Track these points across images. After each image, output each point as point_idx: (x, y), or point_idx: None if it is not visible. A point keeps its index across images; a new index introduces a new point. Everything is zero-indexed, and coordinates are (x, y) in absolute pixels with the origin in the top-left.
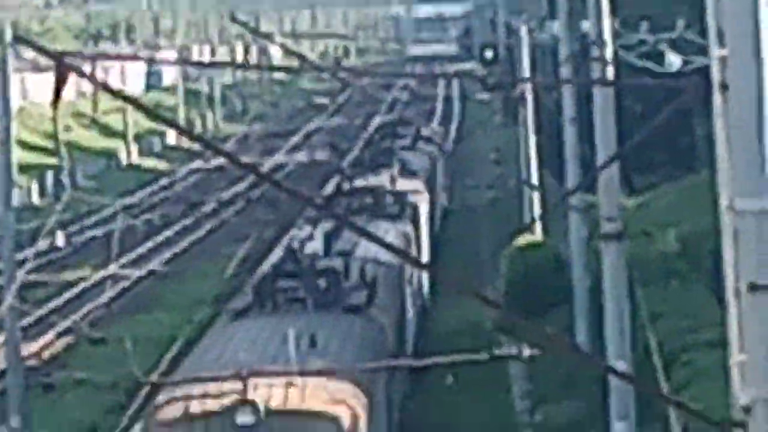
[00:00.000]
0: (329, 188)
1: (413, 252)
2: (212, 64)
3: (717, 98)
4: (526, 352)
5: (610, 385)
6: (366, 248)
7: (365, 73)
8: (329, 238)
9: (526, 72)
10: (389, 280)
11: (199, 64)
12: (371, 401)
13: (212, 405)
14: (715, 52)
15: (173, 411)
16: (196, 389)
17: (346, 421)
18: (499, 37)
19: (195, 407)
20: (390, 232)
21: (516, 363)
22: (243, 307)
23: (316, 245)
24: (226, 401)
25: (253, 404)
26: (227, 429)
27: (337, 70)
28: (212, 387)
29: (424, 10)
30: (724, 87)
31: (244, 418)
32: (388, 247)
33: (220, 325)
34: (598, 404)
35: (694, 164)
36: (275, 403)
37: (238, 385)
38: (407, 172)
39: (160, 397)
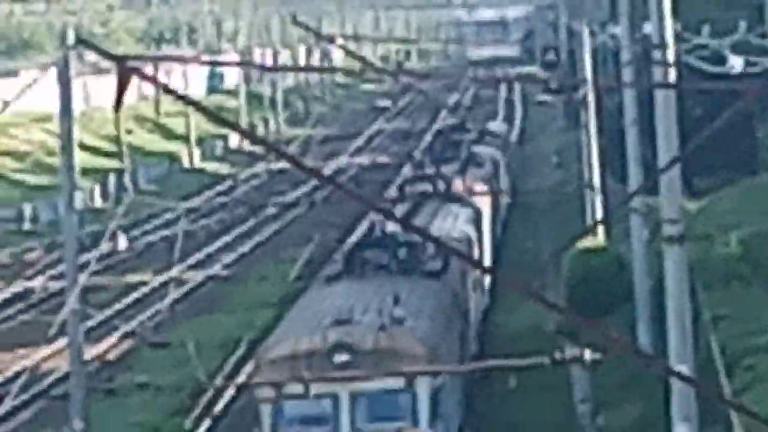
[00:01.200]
0: (396, 184)
1: (476, 248)
2: (274, 67)
3: None
4: (588, 355)
5: (672, 389)
6: (439, 226)
7: (427, 76)
8: (407, 216)
9: (588, 75)
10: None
11: (262, 67)
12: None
13: (314, 345)
14: None
15: (280, 350)
16: (303, 332)
17: (424, 362)
18: (560, 40)
19: (299, 347)
20: (460, 215)
21: (578, 366)
22: (335, 273)
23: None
24: (326, 344)
25: (348, 346)
26: (326, 366)
27: (399, 73)
28: (315, 332)
29: (486, 14)
30: None
31: (340, 357)
32: (450, 249)
33: (315, 288)
34: (660, 407)
35: (755, 167)
36: (366, 345)
37: (336, 330)
38: (475, 164)
39: (270, 340)
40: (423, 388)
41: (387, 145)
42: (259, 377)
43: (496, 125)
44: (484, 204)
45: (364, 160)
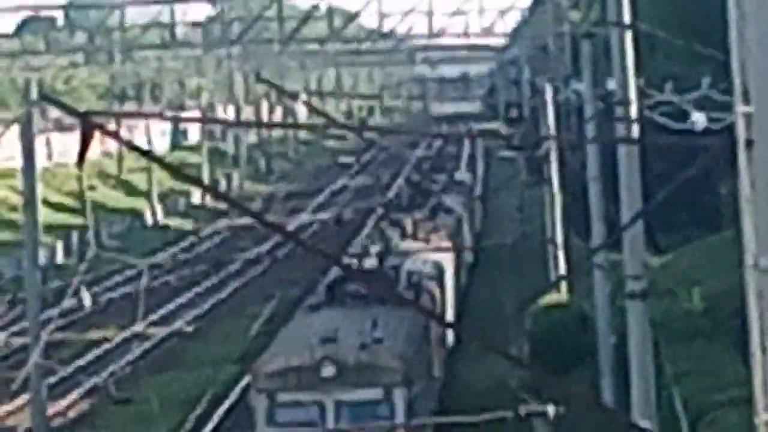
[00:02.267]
0: (357, 243)
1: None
2: (237, 123)
3: (741, 155)
4: (552, 410)
5: None
6: (411, 264)
7: (390, 131)
8: (381, 256)
9: (551, 130)
10: (430, 285)
11: (224, 123)
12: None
13: (303, 361)
14: (740, 108)
15: (274, 365)
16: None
17: (400, 376)
18: (523, 95)
19: (291, 362)
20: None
21: (541, 421)
22: (317, 303)
23: (371, 261)
24: (314, 359)
25: (335, 361)
26: (315, 380)
27: (362, 129)
28: (304, 350)
29: (449, 70)
30: (749, 143)
31: (326, 372)
32: (417, 308)
33: (300, 315)
34: None
35: (718, 223)
36: (351, 361)
37: (323, 347)
38: (443, 210)
39: (264, 357)
40: (399, 398)
41: (350, 201)
42: (254, 387)
43: (461, 175)
44: (447, 260)
45: (326, 215)
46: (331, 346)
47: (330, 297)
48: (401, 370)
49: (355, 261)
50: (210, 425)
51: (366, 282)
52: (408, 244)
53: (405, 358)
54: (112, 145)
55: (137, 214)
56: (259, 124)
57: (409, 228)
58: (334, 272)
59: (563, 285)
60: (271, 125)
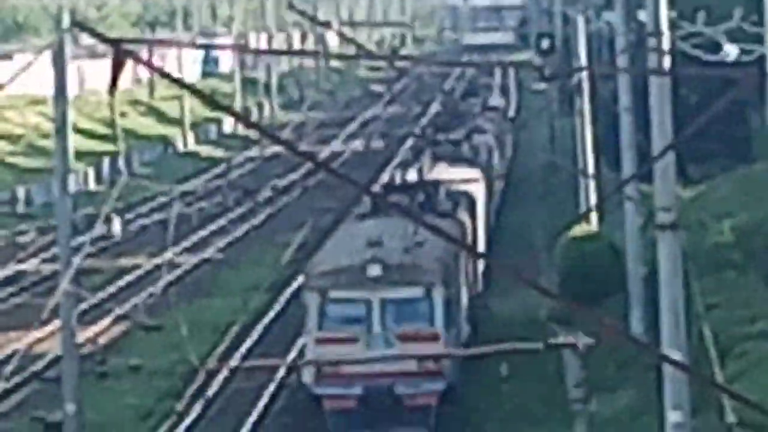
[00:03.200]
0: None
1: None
2: (269, 51)
3: None
4: (581, 341)
5: (664, 375)
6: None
7: (422, 61)
8: (420, 171)
9: (583, 62)
10: (467, 197)
11: (256, 51)
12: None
13: (352, 261)
14: None
15: (325, 265)
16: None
17: (439, 276)
18: (555, 26)
19: (339, 263)
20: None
21: (570, 352)
22: (364, 212)
23: (413, 175)
24: (362, 260)
25: (380, 261)
26: (362, 279)
27: (394, 58)
28: (353, 252)
29: (481, 0)
30: None
31: (372, 271)
32: (447, 237)
33: (348, 223)
34: (653, 394)
35: (749, 155)
36: (393, 261)
37: (370, 250)
38: (479, 131)
39: (316, 258)
40: (438, 297)
41: (382, 130)
42: (307, 286)
43: (496, 100)
44: (479, 190)
45: (358, 145)
46: (377, 248)
47: (375, 207)
48: (440, 271)
49: (398, 172)
50: (239, 354)
51: (408, 193)
52: (440, 171)
53: (443, 261)
54: (144, 72)
55: (168, 142)
56: (290, 52)
57: (444, 151)
58: (380, 183)
59: (593, 216)
60: (302, 53)
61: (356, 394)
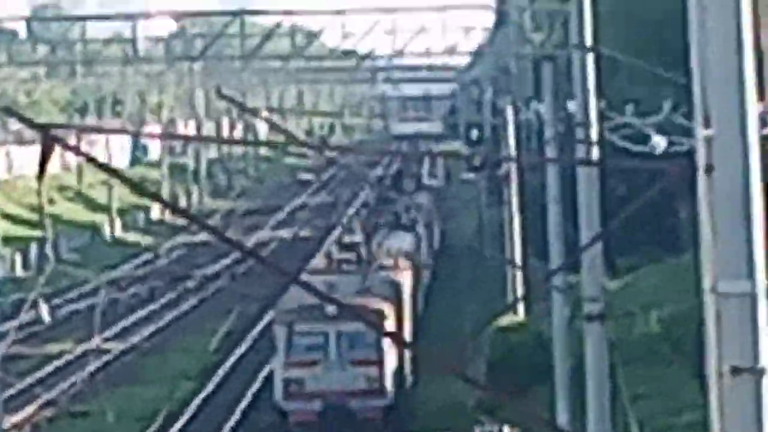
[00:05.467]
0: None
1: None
2: (197, 138)
3: (702, 179)
4: (508, 431)
5: None
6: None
7: (350, 150)
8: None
9: (512, 152)
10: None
11: (184, 138)
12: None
13: (312, 301)
14: (701, 133)
15: (290, 304)
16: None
17: (391, 315)
18: (484, 116)
19: (303, 302)
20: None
21: None
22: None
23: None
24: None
25: (336, 302)
26: (321, 315)
27: (323, 147)
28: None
29: (411, 89)
30: (709, 168)
31: (330, 310)
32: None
33: (306, 274)
34: None
35: (676, 246)
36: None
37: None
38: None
39: (284, 298)
40: (388, 324)
41: (310, 219)
42: (277, 321)
43: (428, 180)
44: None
45: (286, 233)
46: (333, 291)
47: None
48: (389, 304)
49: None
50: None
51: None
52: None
53: (389, 301)
54: (72, 158)
55: (96, 228)
56: (218, 140)
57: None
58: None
59: (521, 307)
60: (231, 142)
61: (316, 410)
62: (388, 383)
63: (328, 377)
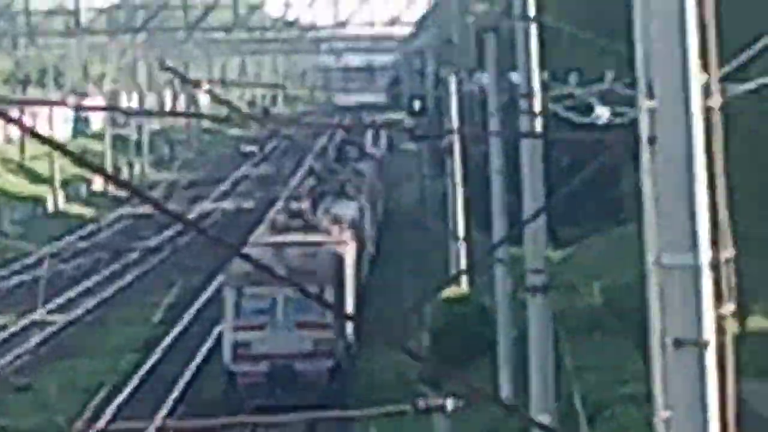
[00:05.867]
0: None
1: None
2: (140, 112)
3: (645, 152)
4: (450, 404)
5: None
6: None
7: (293, 123)
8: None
9: (455, 123)
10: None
11: (127, 111)
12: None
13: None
14: (644, 104)
15: (240, 268)
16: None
17: (330, 278)
18: (427, 87)
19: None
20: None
21: (440, 415)
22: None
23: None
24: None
25: (284, 265)
26: (269, 279)
27: (265, 119)
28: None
29: (353, 60)
30: (652, 140)
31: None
32: (330, 307)
33: (258, 235)
34: None
35: (619, 217)
36: (294, 266)
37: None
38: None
39: (234, 262)
40: (329, 295)
41: (252, 190)
42: (227, 284)
43: (371, 149)
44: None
45: (228, 205)
46: (282, 256)
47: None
48: (332, 274)
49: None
50: (108, 413)
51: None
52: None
53: (334, 266)
54: (15, 131)
55: (39, 201)
56: (161, 113)
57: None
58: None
59: (464, 278)
60: (173, 114)
61: (263, 371)
62: (334, 346)
63: (275, 340)
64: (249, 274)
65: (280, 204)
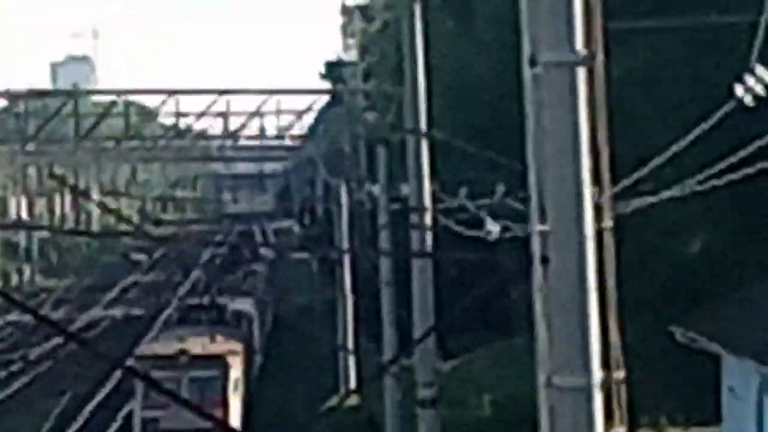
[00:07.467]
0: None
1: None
2: (29, 227)
3: (537, 272)
4: None
5: None
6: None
7: (181, 241)
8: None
9: (345, 232)
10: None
11: (15, 226)
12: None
13: (167, 351)
14: (536, 227)
15: (147, 351)
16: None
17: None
18: (317, 195)
19: (158, 351)
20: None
21: None
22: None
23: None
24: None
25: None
26: (175, 364)
27: (150, 236)
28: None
29: (244, 167)
30: (545, 260)
31: (183, 359)
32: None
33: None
34: None
35: (509, 329)
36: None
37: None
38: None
39: (142, 346)
40: (231, 376)
41: (141, 298)
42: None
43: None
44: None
45: (117, 312)
46: (186, 343)
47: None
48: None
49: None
50: None
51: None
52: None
53: (233, 351)
54: None
55: None
56: (50, 228)
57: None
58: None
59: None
60: (61, 232)
61: None
62: (233, 421)
63: (179, 417)
64: (156, 358)
65: (169, 310)
